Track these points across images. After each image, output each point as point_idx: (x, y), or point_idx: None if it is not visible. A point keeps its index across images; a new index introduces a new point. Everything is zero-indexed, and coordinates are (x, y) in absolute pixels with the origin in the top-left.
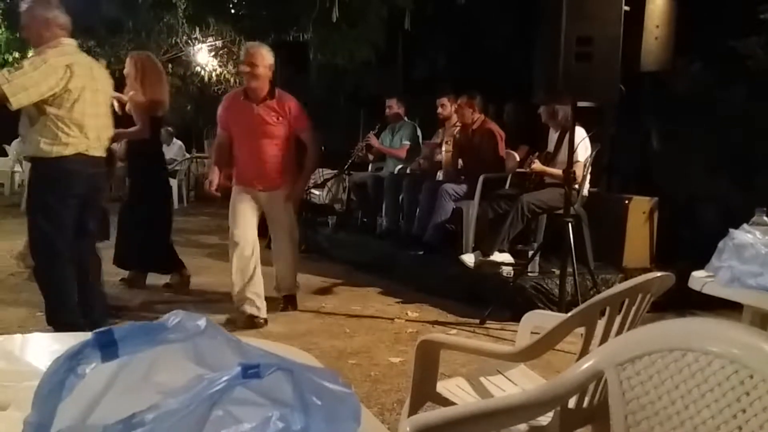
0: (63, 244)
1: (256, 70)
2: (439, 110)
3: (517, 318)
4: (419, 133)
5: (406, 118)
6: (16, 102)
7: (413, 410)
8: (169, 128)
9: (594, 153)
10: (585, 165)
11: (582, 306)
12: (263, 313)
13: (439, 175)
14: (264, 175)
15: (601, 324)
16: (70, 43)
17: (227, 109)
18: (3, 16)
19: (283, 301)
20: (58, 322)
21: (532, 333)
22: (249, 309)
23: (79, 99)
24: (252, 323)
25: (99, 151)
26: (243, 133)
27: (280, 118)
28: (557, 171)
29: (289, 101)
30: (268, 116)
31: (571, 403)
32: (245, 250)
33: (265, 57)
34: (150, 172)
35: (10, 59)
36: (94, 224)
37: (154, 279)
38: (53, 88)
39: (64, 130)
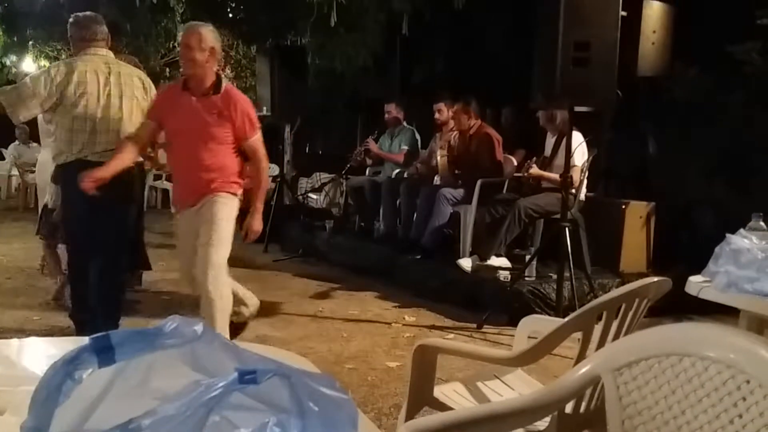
0: (78, 245)
1: (192, 53)
2: (436, 115)
3: (514, 322)
4: (418, 137)
5: (405, 123)
6: (14, 114)
7: (410, 415)
8: None
9: (591, 158)
10: (582, 169)
11: (579, 311)
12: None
13: (437, 180)
14: (199, 189)
15: (598, 329)
16: (94, 52)
17: (161, 98)
18: (1, 20)
19: None
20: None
21: (529, 338)
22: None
23: (78, 104)
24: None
25: (106, 157)
26: (176, 131)
27: (222, 119)
28: (554, 176)
29: (238, 99)
30: (207, 114)
31: (568, 408)
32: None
33: (205, 38)
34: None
35: (8, 63)
36: (111, 233)
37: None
38: (52, 96)
39: (67, 137)
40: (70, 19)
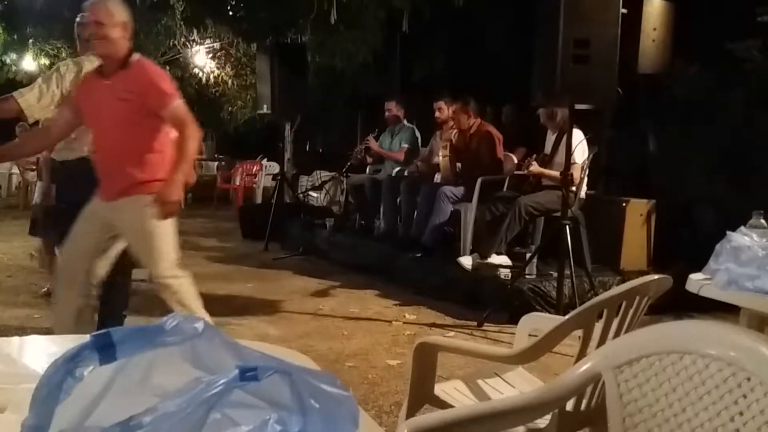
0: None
1: (103, 30)
2: (437, 114)
3: (514, 320)
4: (418, 135)
5: (405, 121)
6: (29, 113)
7: (411, 413)
8: None
9: (591, 155)
10: (582, 167)
11: (579, 309)
12: None
13: (437, 178)
14: (111, 178)
15: (598, 327)
16: None
17: (78, 86)
18: (1, 17)
19: None
20: None
21: (529, 335)
22: None
23: None
24: None
25: None
26: (91, 118)
27: (133, 95)
28: (555, 173)
29: (147, 70)
30: (118, 93)
31: (569, 405)
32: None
33: (114, 13)
34: None
35: (8, 61)
36: None
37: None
38: (63, 94)
39: (71, 135)
40: (78, 19)
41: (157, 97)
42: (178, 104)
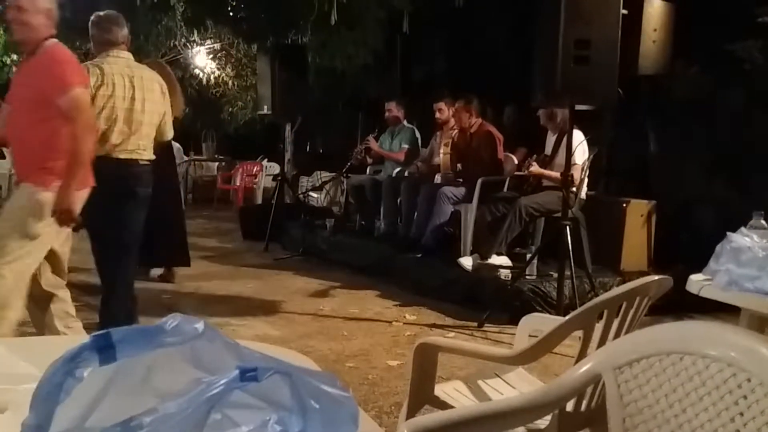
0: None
1: (26, 16)
2: (437, 115)
3: (515, 321)
4: (418, 136)
5: (405, 122)
6: None
7: (411, 413)
8: None
9: (592, 156)
10: (583, 168)
11: (580, 309)
12: None
13: (437, 178)
14: (17, 162)
15: (598, 327)
16: (116, 55)
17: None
18: (2, 18)
19: None
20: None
21: (530, 336)
22: None
23: (106, 106)
24: None
25: (126, 154)
26: (8, 102)
27: (34, 79)
28: (555, 174)
29: (51, 56)
30: (23, 77)
31: (569, 406)
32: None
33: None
34: (161, 173)
35: (8, 61)
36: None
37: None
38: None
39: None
40: (93, 19)
41: (55, 82)
42: (78, 94)
